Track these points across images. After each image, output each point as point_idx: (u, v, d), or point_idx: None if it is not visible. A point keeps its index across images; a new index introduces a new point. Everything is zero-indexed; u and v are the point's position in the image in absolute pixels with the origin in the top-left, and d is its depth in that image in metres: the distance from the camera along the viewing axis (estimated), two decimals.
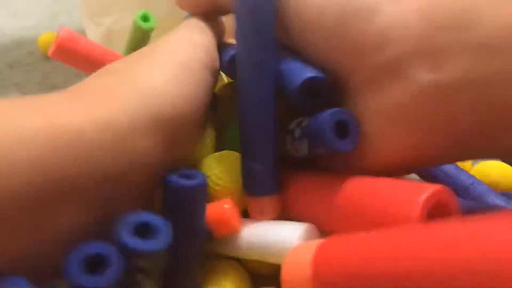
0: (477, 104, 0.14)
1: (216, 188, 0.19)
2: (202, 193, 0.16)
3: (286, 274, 0.16)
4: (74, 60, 0.32)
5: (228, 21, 0.21)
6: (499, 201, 0.20)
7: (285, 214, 0.19)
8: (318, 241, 0.16)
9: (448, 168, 0.22)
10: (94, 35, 0.43)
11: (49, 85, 0.45)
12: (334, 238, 0.15)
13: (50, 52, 0.31)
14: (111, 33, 0.42)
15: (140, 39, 0.33)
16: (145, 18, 0.32)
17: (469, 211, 0.21)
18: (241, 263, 0.20)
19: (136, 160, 0.15)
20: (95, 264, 0.12)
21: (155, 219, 0.13)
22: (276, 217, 0.19)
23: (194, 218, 0.16)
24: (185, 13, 0.22)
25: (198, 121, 0.18)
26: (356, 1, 0.16)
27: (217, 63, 0.20)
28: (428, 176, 0.22)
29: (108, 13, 0.42)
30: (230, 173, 0.19)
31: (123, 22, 0.42)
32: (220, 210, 0.20)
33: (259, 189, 0.18)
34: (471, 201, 0.21)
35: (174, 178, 0.15)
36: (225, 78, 0.40)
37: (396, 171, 0.17)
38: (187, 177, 0.15)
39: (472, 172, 0.26)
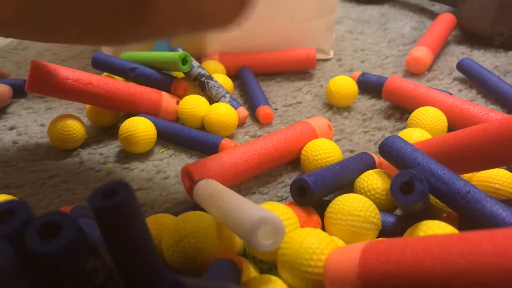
0: None
1: None
2: (126, 209, 0.15)
3: (332, 272, 0.18)
4: (51, 90, 0.32)
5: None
6: (496, 208, 0.20)
7: None
8: (362, 244, 0.18)
9: (445, 175, 0.22)
10: None
11: None
12: (378, 241, 0.17)
13: (26, 86, 0.31)
14: None
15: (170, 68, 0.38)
16: (184, 61, 0.36)
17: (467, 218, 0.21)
18: (246, 251, 0.23)
19: None
20: (52, 234, 0.13)
21: (60, 218, 0.13)
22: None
23: (126, 233, 0.15)
24: None
25: None
26: None
27: None
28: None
29: None
30: None
31: None
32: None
33: None
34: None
35: (94, 198, 0.14)
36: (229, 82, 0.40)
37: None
38: (112, 192, 0.14)
39: (474, 178, 0.26)
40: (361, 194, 0.26)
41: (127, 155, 0.34)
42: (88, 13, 0.15)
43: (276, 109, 0.40)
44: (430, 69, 0.46)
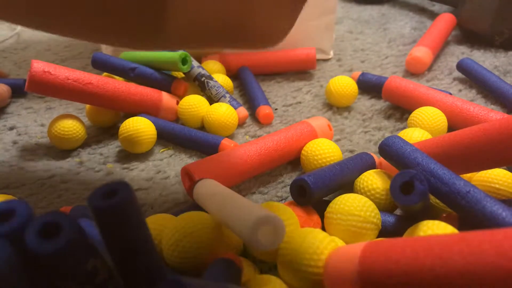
0: None
1: None
2: (126, 209, 0.15)
3: (332, 272, 0.18)
4: (51, 90, 0.32)
5: None
6: (496, 208, 0.20)
7: None
8: (362, 244, 0.18)
9: (445, 175, 0.22)
10: None
11: None
12: (378, 241, 0.17)
13: (25, 86, 0.31)
14: None
15: (170, 68, 0.38)
16: (184, 61, 0.37)
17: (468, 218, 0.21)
18: (246, 251, 0.23)
19: None
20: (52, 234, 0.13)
21: (60, 218, 0.13)
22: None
23: (126, 233, 0.15)
24: None
25: None
26: None
27: None
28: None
29: None
30: None
31: None
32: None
33: None
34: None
35: (94, 198, 0.14)
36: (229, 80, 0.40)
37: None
38: (112, 192, 0.14)
39: (474, 178, 0.26)
40: (361, 194, 0.26)
41: (127, 155, 0.34)
42: (100, 7, 0.14)
43: (276, 109, 0.40)
44: (430, 69, 0.46)
